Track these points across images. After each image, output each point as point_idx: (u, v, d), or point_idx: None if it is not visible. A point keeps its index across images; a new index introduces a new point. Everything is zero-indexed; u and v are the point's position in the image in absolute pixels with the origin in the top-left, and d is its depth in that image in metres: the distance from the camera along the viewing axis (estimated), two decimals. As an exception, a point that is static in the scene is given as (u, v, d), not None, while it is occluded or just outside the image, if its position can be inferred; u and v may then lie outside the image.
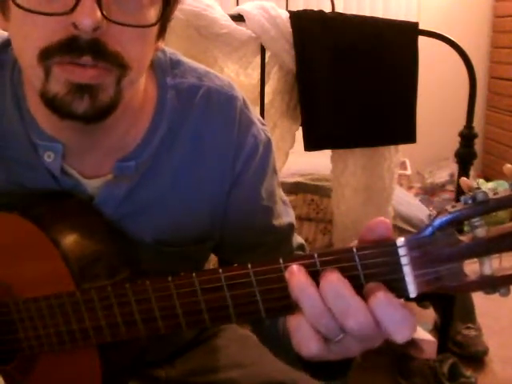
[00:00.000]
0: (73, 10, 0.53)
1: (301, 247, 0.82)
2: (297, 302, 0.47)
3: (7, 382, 0.62)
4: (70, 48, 0.54)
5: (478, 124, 1.56)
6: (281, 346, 0.66)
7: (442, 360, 1.68)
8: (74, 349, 0.60)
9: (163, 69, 0.71)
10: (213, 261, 0.86)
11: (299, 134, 1.48)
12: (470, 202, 0.44)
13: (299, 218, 1.74)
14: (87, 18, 0.52)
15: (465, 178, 0.46)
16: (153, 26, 0.59)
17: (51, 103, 0.58)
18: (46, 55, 0.55)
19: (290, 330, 0.48)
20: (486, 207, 0.43)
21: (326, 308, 0.46)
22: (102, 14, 0.53)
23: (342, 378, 0.60)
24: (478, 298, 1.90)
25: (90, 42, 0.54)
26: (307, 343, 0.47)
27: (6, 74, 0.68)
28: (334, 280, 0.46)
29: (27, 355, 0.63)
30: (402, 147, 1.58)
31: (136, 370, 0.70)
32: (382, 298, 0.45)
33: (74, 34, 0.54)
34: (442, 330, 1.74)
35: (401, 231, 1.76)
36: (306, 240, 0.86)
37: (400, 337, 0.45)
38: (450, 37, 1.46)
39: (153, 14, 0.59)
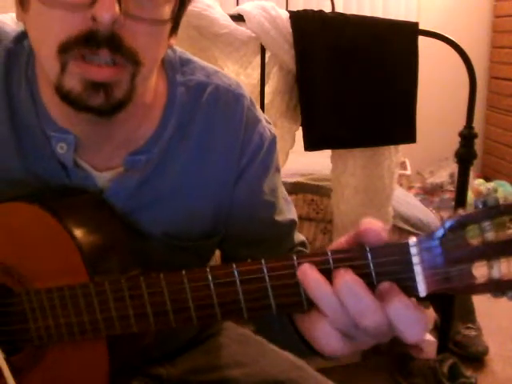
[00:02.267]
0: (93, 3, 0.54)
1: (302, 244, 0.83)
2: (314, 300, 0.48)
3: (14, 373, 0.62)
4: (88, 41, 0.55)
5: (478, 124, 1.56)
6: (276, 327, 0.67)
7: (442, 360, 1.68)
8: (83, 342, 0.60)
9: (173, 66, 0.73)
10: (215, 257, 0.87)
11: (299, 133, 1.48)
12: (480, 206, 0.45)
13: (299, 217, 1.72)
14: (107, 11, 0.53)
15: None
16: (167, 23, 0.61)
17: (66, 97, 0.59)
18: (65, 49, 0.56)
19: (310, 329, 0.49)
20: (496, 211, 0.44)
21: (342, 305, 0.47)
22: (121, 8, 0.54)
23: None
24: (478, 298, 1.89)
25: (107, 35, 0.55)
26: (328, 341, 0.49)
27: (21, 67, 0.69)
28: (348, 279, 0.46)
29: (35, 347, 0.63)
30: (402, 147, 1.58)
31: (139, 368, 0.70)
32: (395, 299, 0.46)
33: (92, 28, 0.55)
34: (442, 330, 1.74)
35: (401, 231, 1.76)
36: (305, 240, 0.87)
37: (412, 338, 0.46)
38: (450, 37, 1.46)
39: (168, 10, 0.60)
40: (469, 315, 1.90)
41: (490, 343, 1.87)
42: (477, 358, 1.84)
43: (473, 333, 1.87)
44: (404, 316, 0.45)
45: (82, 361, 0.63)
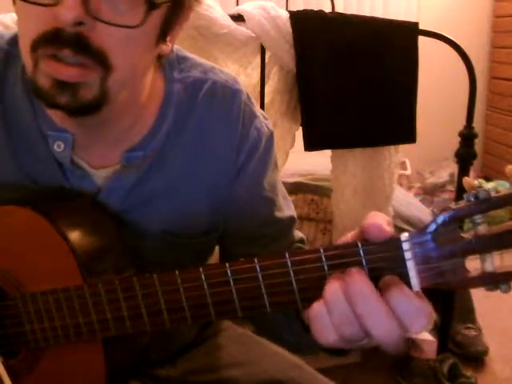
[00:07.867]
0: (57, 2, 0.54)
1: (301, 241, 0.83)
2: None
3: (11, 376, 0.62)
4: (53, 40, 0.56)
5: (477, 124, 1.56)
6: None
7: (441, 360, 1.68)
8: (79, 345, 0.60)
9: (170, 63, 0.73)
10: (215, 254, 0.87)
11: (299, 133, 1.48)
12: (472, 199, 0.45)
13: (299, 217, 1.73)
14: (68, 11, 0.54)
15: (467, 178, 0.46)
16: (137, 28, 0.57)
17: (37, 93, 0.60)
18: (35, 47, 0.57)
19: (311, 317, 0.49)
20: (488, 205, 0.44)
21: (350, 308, 0.47)
22: (87, 10, 0.54)
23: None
24: (478, 298, 1.90)
25: (72, 35, 0.55)
26: (326, 334, 0.48)
27: (18, 67, 0.69)
28: (358, 280, 0.46)
29: (32, 350, 0.63)
30: (402, 147, 1.58)
31: (138, 369, 0.70)
32: (396, 289, 0.46)
33: (57, 27, 0.55)
34: (442, 330, 1.74)
35: (401, 231, 1.75)
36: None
37: (417, 328, 0.46)
38: (450, 37, 1.46)
39: (141, 15, 0.58)
40: (469, 315, 1.90)
41: (490, 343, 1.87)
42: (477, 358, 1.84)
43: (473, 333, 1.86)
44: (406, 306, 0.46)
45: (78, 363, 0.63)
